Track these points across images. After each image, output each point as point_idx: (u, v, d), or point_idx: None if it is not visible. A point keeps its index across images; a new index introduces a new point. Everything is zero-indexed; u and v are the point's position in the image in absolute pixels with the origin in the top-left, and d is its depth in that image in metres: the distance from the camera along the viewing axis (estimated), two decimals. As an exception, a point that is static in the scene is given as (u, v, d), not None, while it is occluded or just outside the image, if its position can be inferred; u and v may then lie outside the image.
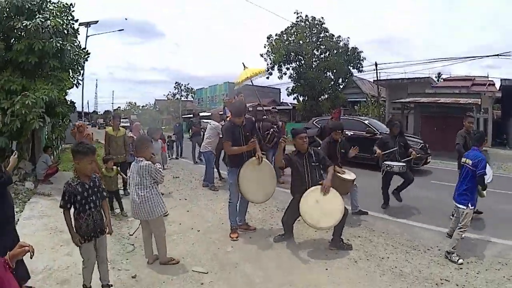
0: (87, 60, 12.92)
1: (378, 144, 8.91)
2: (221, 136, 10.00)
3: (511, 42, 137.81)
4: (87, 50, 12.71)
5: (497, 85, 33.83)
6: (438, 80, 43.95)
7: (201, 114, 22.73)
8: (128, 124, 44.83)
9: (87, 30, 29.66)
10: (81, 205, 4.25)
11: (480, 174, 5.95)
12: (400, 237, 7.10)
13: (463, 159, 6.41)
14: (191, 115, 22.80)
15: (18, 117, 9.66)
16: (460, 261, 5.86)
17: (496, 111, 35.40)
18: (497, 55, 32.22)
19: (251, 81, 9.83)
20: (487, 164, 6.19)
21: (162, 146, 13.35)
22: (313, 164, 6.38)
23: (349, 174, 7.71)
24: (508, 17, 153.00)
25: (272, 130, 10.95)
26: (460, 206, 6.17)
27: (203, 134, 12.10)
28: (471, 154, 6.26)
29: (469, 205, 6.06)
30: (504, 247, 6.56)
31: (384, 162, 8.62)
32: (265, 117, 11.70)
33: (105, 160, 8.58)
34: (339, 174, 7.39)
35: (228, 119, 8.58)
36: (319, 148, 7.69)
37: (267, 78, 35.91)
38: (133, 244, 6.45)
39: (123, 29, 72.00)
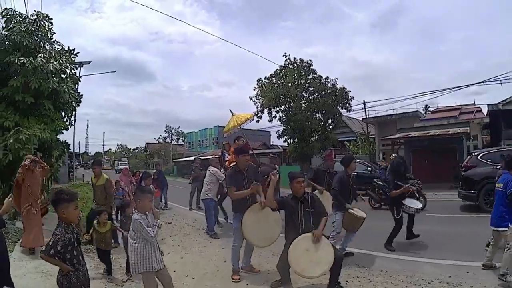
0: (80, 103, 12.96)
1: (394, 187, 8.69)
2: (220, 181, 10.01)
3: (493, 67, 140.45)
4: (80, 93, 12.77)
5: (485, 111, 34.27)
6: (425, 113, 44.52)
7: (202, 158, 22.49)
8: (128, 166, 44.60)
9: (79, 70, 29.77)
10: (73, 256, 4.00)
11: (510, 193, 6.12)
12: (400, 273, 6.95)
13: (498, 184, 6.54)
14: (192, 158, 22.63)
15: (11, 151, 9.70)
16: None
17: (485, 137, 35.73)
18: (483, 82, 32.69)
19: (240, 128, 9.87)
20: None
21: (155, 191, 13.21)
22: (307, 210, 6.10)
23: (360, 212, 7.70)
24: (486, 41, 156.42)
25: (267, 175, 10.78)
26: (501, 229, 6.25)
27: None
28: (502, 178, 6.47)
29: (509, 225, 6.14)
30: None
31: (403, 203, 8.56)
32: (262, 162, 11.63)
33: (97, 213, 7.47)
34: (351, 211, 7.52)
35: (227, 162, 8.58)
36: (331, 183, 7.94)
37: (257, 121, 35.90)
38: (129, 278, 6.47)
39: (115, 71, 72.55)
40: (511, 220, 6.16)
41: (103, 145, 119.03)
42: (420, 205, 8.59)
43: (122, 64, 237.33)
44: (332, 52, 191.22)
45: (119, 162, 74.52)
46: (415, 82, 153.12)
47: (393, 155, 12.17)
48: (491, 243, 6.72)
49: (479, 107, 37.43)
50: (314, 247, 5.70)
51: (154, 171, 20.06)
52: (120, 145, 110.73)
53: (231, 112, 10.37)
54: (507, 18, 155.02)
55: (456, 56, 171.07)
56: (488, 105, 32.18)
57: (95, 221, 7.21)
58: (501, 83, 30.77)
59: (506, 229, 6.13)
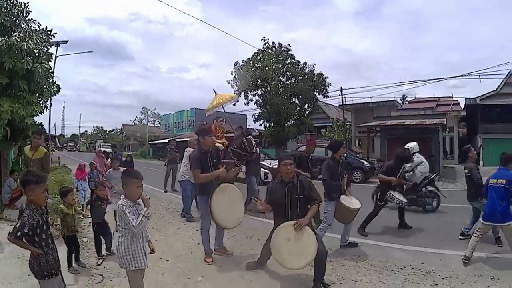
0: (58, 92, 12.67)
1: (386, 173, 8.85)
2: None
3: (475, 61, 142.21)
4: (58, 85, 12.46)
5: (462, 104, 34.78)
6: (403, 103, 44.91)
7: (177, 140, 22.22)
8: (110, 150, 43.70)
9: (56, 50, 29.01)
10: (42, 239, 3.94)
11: None
12: (372, 258, 7.02)
13: (494, 180, 6.61)
14: (167, 141, 22.36)
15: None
16: None
17: (462, 129, 36.32)
18: (462, 75, 33.13)
19: (223, 107, 9.77)
20: None
21: None
22: (295, 196, 5.70)
23: (355, 202, 7.47)
24: (471, 37, 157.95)
25: (244, 139, 10.42)
26: (507, 223, 6.29)
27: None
28: (502, 174, 6.56)
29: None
30: (478, 259, 6.64)
31: (390, 192, 8.60)
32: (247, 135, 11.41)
33: (63, 193, 6.65)
34: (343, 202, 7.19)
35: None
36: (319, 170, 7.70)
37: (234, 105, 35.70)
38: (101, 275, 6.17)
39: (91, 51, 70.68)
40: (510, 215, 6.31)
41: (79, 127, 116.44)
42: (405, 200, 8.62)
43: (101, 44, 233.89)
44: (315, 38, 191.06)
45: (102, 144, 70.82)
46: (397, 72, 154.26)
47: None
48: (476, 235, 6.71)
49: (457, 100, 38.12)
50: (296, 237, 5.40)
51: (127, 153, 19.78)
52: (96, 126, 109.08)
53: (214, 91, 10.28)
54: (494, 13, 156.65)
55: (439, 47, 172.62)
56: (466, 98, 32.73)
57: (61, 204, 6.66)
58: (480, 78, 31.11)
59: (510, 222, 6.25)
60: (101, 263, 6.72)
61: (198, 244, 7.36)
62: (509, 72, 31.81)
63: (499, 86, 32.05)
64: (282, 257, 5.46)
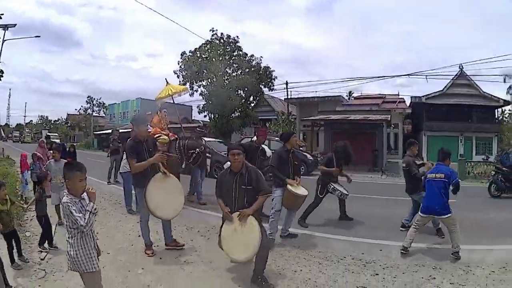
0: (1, 78, 11.96)
1: (327, 166, 8.86)
2: None
3: (422, 63, 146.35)
4: (1, 70, 11.76)
5: (408, 102, 35.75)
6: (349, 99, 45.41)
7: (121, 130, 21.60)
8: (58, 140, 42.14)
9: (4, 34, 27.71)
10: None
11: (456, 183, 6.56)
12: (313, 249, 6.96)
13: (433, 175, 6.71)
14: (110, 131, 21.69)
15: None
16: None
17: (407, 126, 37.21)
18: (409, 74, 34.03)
19: (172, 99, 9.44)
20: None
21: None
22: (242, 187, 5.56)
23: (301, 189, 7.30)
24: (420, 38, 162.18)
25: (198, 150, 10.30)
26: (446, 216, 6.39)
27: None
28: (441, 169, 6.71)
29: (451, 210, 6.42)
30: (419, 250, 6.68)
31: (332, 184, 8.61)
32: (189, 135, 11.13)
33: None
34: (291, 189, 7.05)
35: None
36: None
37: (179, 95, 35.22)
38: (44, 270, 5.82)
39: (39, 36, 68.22)
40: (449, 208, 6.42)
41: (25, 116, 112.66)
42: (346, 193, 8.57)
43: (51, 29, 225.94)
44: (265, 32, 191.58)
45: (48, 134, 67.37)
46: (345, 69, 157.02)
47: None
48: (415, 227, 6.76)
49: (403, 98, 39.01)
50: (242, 228, 5.31)
51: (69, 144, 19.13)
52: (41, 116, 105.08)
53: (166, 81, 9.94)
54: (443, 19, 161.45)
55: (389, 48, 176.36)
56: (411, 97, 33.81)
57: None
58: (426, 78, 31.99)
59: (450, 214, 6.34)
60: (44, 257, 6.31)
61: (139, 236, 7.09)
62: (456, 73, 33.10)
63: (446, 86, 33.45)
64: (228, 248, 5.39)
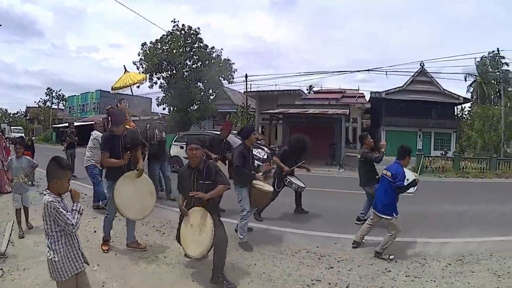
0: None
1: (281, 159, 8.77)
2: None
3: (383, 59, 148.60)
4: None
5: (368, 97, 36.27)
6: (309, 93, 45.74)
7: (76, 124, 21.03)
8: (23, 134, 40.55)
9: None
10: None
11: (398, 187, 6.26)
12: (267, 243, 6.91)
13: (384, 171, 6.60)
14: (67, 124, 21.15)
15: None
16: (392, 256, 6.11)
17: (366, 121, 37.74)
18: (368, 70, 34.42)
19: (131, 89, 9.16)
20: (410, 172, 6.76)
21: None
22: (200, 182, 5.44)
23: (267, 186, 7.17)
24: (382, 35, 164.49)
25: (148, 125, 9.85)
26: (385, 217, 6.30)
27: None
28: (392, 167, 6.52)
29: (394, 214, 6.28)
30: (374, 243, 6.62)
31: (288, 177, 8.58)
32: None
33: None
34: (258, 186, 6.87)
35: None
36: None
37: (138, 87, 34.64)
38: (1, 269, 5.62)
39: (0, 25, 65.84)
40: (395, 210, 6.31)
41: None
42: (303, 185, 8.56)
43: (12, 17, 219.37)
44: (227, 24, 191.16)
45: (12, 128, 62.14)
46: (307, 64, 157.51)
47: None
48: (369, 223, 6.76)
49: (363, 93, 39.66)
50: (198, 224, 5.22)
51: (27, 137, 18.59)
52: (0, 109, 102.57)
53: (125, 68, 9.64)
54: (405, 18, 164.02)
55: (350, 45, 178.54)
56: (371, 92, 34.41)
57: None
58: (386, 74, 32.51)
59: (390, 217, 6.25)
60: (5, 251, 6.08)
61: (95, 232, 7.09)
62: (417, 70, 33.76)
63: (406, 82, 34.22)
64: (184, 242, 5.33)
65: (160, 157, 10.09)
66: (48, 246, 3.63)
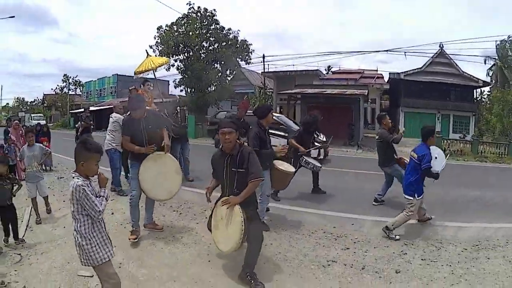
0: None
1: (298, 140, 8.68)
2: None
3: (401, 40, 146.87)
4: None
5: (386, 78, 35.98)
6: (327, 73, 45.43)
7: (92, 108, 20.99)
8: (44, 122, 40.18)
9: None
10: None
11: (425, 168, 6.25)
12: (284, 223, 6.90)
13: (411, 152, 6.60)
14: (82, 110, 21.04)
15: None
16: (398, 237, 6.12)
17: (384, 102, 37.49)
18: (387, 50, 34.17)
19: (154, 73, 9.12)
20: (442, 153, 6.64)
21: (46, 145, 11.98)
22: (233, 169, 4.96)
23: (287, 166, 7.00)
24: (398, 16, 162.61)
25: (178, 109, 9.73)
26: (407, 197, 6.34)
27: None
28: (418, 149, 6.49)
29: (416, 196, 6.28)
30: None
31: (304, 157, 8.51)
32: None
33: None
34: (278, 166, 6.69)
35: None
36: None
37: (168, 69, 34.73)
38: (20, 254, 5.72)
39: (14, 16, 66.11)
40: (418, 191, 6.30)
41: (1, 99, 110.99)
42: (320, 165, 8.59)
43: (25, 8, 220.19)
44: (244, 5, 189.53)
45: (33, 115, 60.46)
46: (324, 45, 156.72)
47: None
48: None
49: (381, 74, 39.22)
50: (227, 217, 4.80)
51: (43, 123, 18.58)
52: (17, 98, 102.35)
53: (147, 52, 9.61)
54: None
55: (367, 26, 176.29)
56: (390, 73, 34.09)
57: None
58: (405, 54, 32.22)
59: (412, 198, 6.26)
60: (22, 238, 6.18)
61: (112, 214, 7.22)
62: (436, 52, 33.33)
63: (425, 64, 33.74)
64: (215, 236, 5.04)
65: (182, 138, 10.04)
66: (75, 230, 3.57)
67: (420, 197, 6.30)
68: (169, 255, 5.54)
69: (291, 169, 7.00)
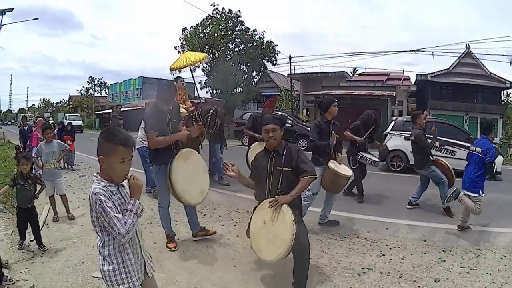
0: None
1: (353, 131, 8.44)
2: None
3: (428, 41, 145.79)
4: None
5: (413, 80, 35.72)
6: (353, 75, 45.20)
7: (123, 108, 20.96)
8: (81, 122, 38.96)
9: (1, 18, 27.35)
10: None
11: (489, 161, 6.12)
12: (314, 226, 6.64)
13: (472, 147, 6.49)
14: (110, 110, 21.02)
15: None
16: (471, 226, 6.31)
17: (411, 104, 37.15)
18: (414, 50, 33.72)
19: (191, 69, 8.90)
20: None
21: (70, 144, 12.04)
22: (278, 168, 4.45)
23: (344, 169, 6.40)
24: (421, 17, 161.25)
25: (212, 110, 9.23)
26: (472, 194, 6.17)
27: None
28: (481, 143, 6.36)
29: (481, 192, 6.16)
30: (427, 229, 6.47)
31: (361, 153, 8.30)
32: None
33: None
34: (333, 167, 6.12)
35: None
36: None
37: (179, 71, 34.86)
38: (33, 251, 5.55)
39: (37, 18, 66.59)
40: (482, 187, 6.17)
41: (27, 100, 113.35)
42: (377, 159, 8.42)
43: (49, 12, 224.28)
44: (269, 6, 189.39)
45: (68, 115, 54.78)
46: (350, 46, 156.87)
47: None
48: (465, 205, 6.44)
49: (408, 76, 38.92)
50: (272, 220, 4.14)
51: (67, 121, 18.63)
52: (43, 99, 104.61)
53: (183, 48, 9.47)
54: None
55: (392, 28, 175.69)
56: (416, 74, 33.81)
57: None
58: (432, 55, 31.74)
59: (477, 195, 6.10)
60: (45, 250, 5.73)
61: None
62: (463, 52, 32.86)
63: (452, 65, 33.32)
64: (256, 243, 4.33)
65: (219, 139, 9.85)
66: (99, 251, 2.67)
67: (483, 194, 6.17)
68: (190, 259, 5.30)
69: (348, 172, 6.39)
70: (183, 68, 8.72)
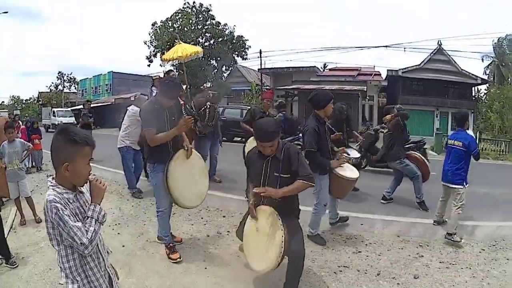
0: None
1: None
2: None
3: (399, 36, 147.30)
4: None
5: (384, 76, 36.08)
6: (324, 70, 45.43)
7: (92, 104, 20.39)
8: (73, 119, 37.86)
9: None
10: None
11: (476, 153, 6.09)
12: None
13: (451, 141, 6.34)
14: (81, 107, 20.49)
15: None
16: (463, 240, 5.79)
17: (382, 99, 37.48)
18: (386, 46, 34.02)
19: (183, 62, 8.64)
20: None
21: (37, 143, 11.91)
22: (275, 174, 4.05)
23: (350, 170, 5.77)
24: (402, 12, 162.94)
25: (208, 104, 8.92)
26: (455, 186, 6.06)
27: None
28: (460, 136, 6.23)
29: (464, 184, 6.06)
30: (402, 224, 6.38)
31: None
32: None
33: None
34: (339, 172, 5.53)
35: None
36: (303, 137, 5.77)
37: (148, 65, 34.75)
38: (1, 258, 5.17)
39: (7, 12, 65.03)
40: (465, 179, 6.08)
41: None
42: (357, 156, 8.25)
43: (18, 5, 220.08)
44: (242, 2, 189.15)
45: (56, 111, 46.11)
46: (321, 43, 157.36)
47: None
48: (441, 199, 6.44)
49: (379, 71, 39.23)
50: (265, 231, 3.88)
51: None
52: (13, 96, 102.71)
53: (178, 39, 9.21)
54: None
55: (364, 22, 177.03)
56: (387, 70, 34.13)
57: None
58: (404, 50, 32.00)
59: (461, 187, 6.00)
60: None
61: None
62: (435, 49, 33.34)
63: (423, 61, 33.74)
64: (247, 250, 4.13)
65: (212, 136, 9.15)
66: (60, 267, 2.35)
67: (467, 185, 6.08)
68: (161, 262, 5.03)
69: (355, 174, 5.71)
70: (177, 59, 8.46)
